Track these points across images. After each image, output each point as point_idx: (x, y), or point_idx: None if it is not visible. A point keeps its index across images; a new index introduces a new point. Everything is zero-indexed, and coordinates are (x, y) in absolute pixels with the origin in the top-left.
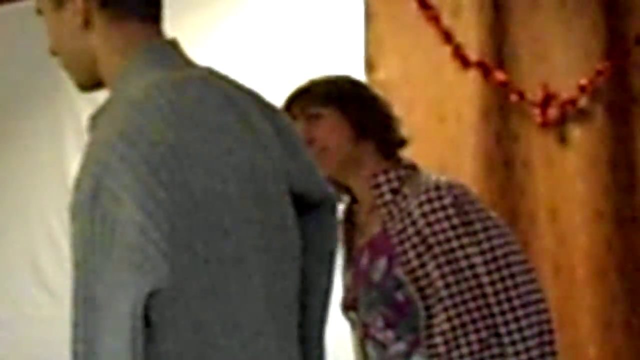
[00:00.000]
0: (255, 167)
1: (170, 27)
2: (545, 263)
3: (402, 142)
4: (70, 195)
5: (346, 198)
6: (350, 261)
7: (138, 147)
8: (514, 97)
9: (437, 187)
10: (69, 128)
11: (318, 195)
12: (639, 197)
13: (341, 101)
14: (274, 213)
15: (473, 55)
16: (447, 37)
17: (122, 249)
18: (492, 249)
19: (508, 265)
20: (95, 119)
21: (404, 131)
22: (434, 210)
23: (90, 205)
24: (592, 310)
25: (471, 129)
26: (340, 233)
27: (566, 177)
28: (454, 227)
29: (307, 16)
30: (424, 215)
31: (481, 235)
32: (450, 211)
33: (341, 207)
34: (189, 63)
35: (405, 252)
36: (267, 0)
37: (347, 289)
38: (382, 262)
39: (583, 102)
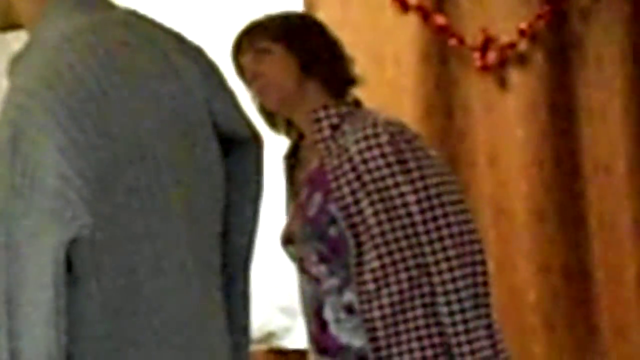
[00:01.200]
0: (179, 110)
1: None
2: (485, 207)
3: (350, 81)
4: None
5: (293, 133)
6: (292, 196)
7: (58, 93)
8: (453, 41)
9: (374, 125)
10: (4, 73)
11: (243, 134)
12: (579, 142)
13: (289, 37)
14: (198, 155)
15: None
16: None
17: (43, 196)
18: (425, 187)
19: (442, 205)
20: (14, 64)
21: (355, 71)
22: (369, 148)
23: (10, 151)
24: (531, 254)
25: (411, 73)
26: (284, 168)
27: (505, 122)
28: (389, 165)
29: None
30: (360, 152)
31: (415, 174)
32: (386, 149)
33: (286, 143)
34: (109, 5)
35: (339, 187)
36: None
37: (287, 223)
38: (317, 197)
39: (522, 46)
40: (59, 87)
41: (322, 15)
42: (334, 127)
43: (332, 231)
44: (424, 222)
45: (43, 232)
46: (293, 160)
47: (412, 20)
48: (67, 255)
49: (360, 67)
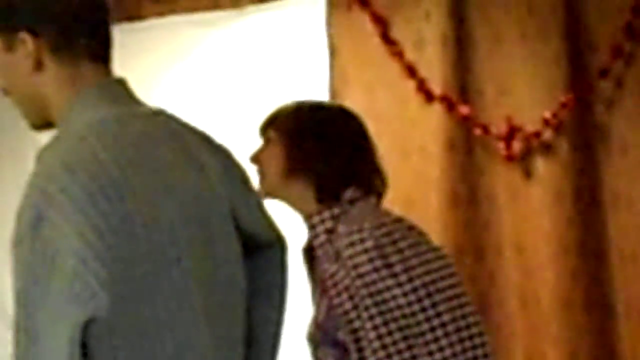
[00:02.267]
0: (200, 201)
1: (123, 68)
2: (511, 296)
3: (352, 178)
4: None
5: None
6: (315, 287)
7: (78, 178)
8: (478, 131)
9: (360, 230)
10: (33, 164)
11: (267, 235)
12: (603, 230)
13: (287, 131)
14: (219, 248)
15: (437, 89)
16: (411, 71)
17: (62, 279)
18: (414, 290)
19: (433, 304)
20: (41, 152)
21: (371, 161)
22: (358, 254)
23: (31, 235)
24: (559, 342)
25: (436, 163)
26: (303, 260)
27: (531, 211)
28: (376, 270)
29: (271, 51)
30: (350, 257)
31: (402, 277)
32: (372, 254)
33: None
34: (136, 101)
35: (339, 294)
36: (228, 36)
37: (309, 324)
38: (324, 303)
39: (547, 135)
40: (80, 172)
41: (348, 105)
42: (330, 231)
43: (340, 336)
44: (418, 324)
45: (61, 313)
46: (313, 252)
47: (437, 110)
48: (84, 336)
49: (385, 157)
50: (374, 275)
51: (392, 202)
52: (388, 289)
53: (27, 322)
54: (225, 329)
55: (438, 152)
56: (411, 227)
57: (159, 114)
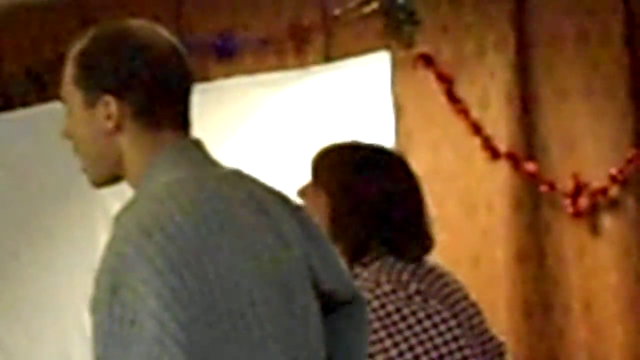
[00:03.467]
0: (277, 262)
1: (196, 125)
2: (580, 353)
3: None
4: None
5: None
6: None
7: (157, 241)
8: (544, 188)
9: (367, 290)
10: (102, 227)
11: (345, 293)
12: None
13: (330, 193)
14: (297, 308)
15: (502, 146)
16: (477, 129)
17: (141, 342)
18: (411, 348)
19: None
20: (119, 215)
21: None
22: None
23: (109, 299)
24: None
25: (502, 220)
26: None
27: (598, 267)
28: (372, 343)
29: (336, 111)
30: None
31: (392, 352)
32: (380, 313)
33: None
34: (213, 163)
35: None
36: (294, 95)
37: None
38: None
39: (614, 191)
40: (158, 236)
41: (414, 164)
42: None
43: None
44: None
45: None
46: None
47: (502, 167)
48: None
49: (452, 214)
50: (371, 349)
51: (458, 259)
52: (385, 350)
53: None
54: None
55: (504, 209)
56: (412, 295)
57: (236, 174)
